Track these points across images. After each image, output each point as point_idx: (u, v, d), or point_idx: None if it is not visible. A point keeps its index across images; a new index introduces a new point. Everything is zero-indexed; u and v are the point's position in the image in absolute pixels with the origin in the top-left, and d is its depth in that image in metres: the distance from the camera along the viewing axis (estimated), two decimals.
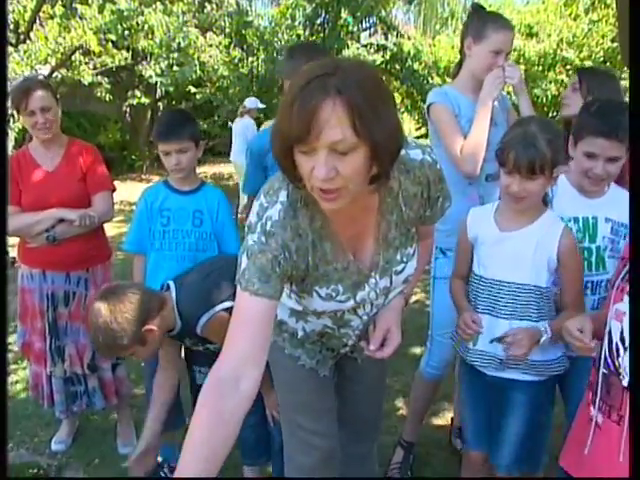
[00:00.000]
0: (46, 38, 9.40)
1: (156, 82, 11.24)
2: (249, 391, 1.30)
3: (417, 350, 3.92)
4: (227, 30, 12.66)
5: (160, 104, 14.56)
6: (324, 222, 1.45)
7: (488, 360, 2.06)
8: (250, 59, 13.13)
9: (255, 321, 1.35)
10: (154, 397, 2.46)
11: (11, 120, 9.39)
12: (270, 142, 1.31)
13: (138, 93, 12.51)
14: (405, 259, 1.60)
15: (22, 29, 9.89)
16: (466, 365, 2.18)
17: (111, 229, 4.68)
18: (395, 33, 14.55)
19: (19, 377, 3.85)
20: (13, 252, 3.53)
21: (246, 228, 1.43)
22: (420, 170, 1.50)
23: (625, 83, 5.69)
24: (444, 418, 3.30)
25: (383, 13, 14.04)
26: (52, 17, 9.87)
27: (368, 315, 1.72)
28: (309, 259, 1.45)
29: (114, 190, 3.00)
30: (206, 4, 12.44)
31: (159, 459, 2.82)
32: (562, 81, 12.55)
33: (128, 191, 7.91)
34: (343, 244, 1.50)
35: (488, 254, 2.07)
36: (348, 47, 13.21)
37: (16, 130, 9.54)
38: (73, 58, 10.17)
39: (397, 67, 14.27)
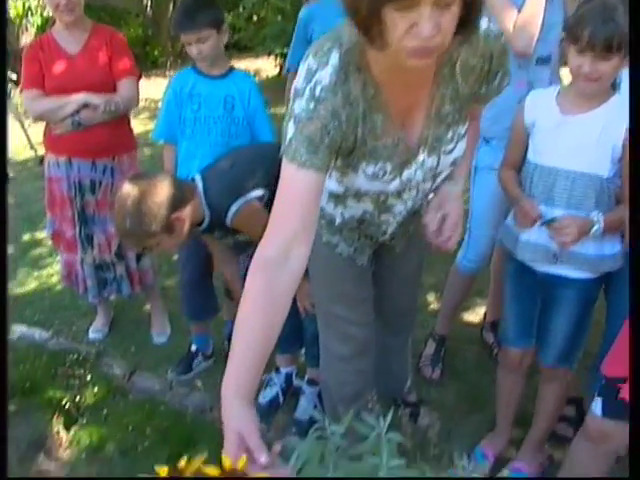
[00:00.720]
0: None
1: None
2: (298, 269, 1.23)
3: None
4: None
5: None
6: (376, 90, 1.32)
7: (540, 253, 1.96)
8: None
9: (303, 196, 1.26)
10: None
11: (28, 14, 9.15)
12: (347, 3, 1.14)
13: None
14: (456, 138, 1.48)
15: None
16: (514, 261, 2.08)
17: (137, 125, 4.57)
18: None
19: (54, 270, 3.92)
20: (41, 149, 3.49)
21: (292, 94, 1.31)
22: (484, 41, 1.34)
23: None
24: (476, 314, 3.28)
25: None
26: None
27: (413, 200, 1.62)
28: (358, 131, 1.34)
29: (140, 77, 2.90)
30: None
31: (193, 348, 2.87)
32: None
33: (152, 88, 7.72)
34: (393, 117, 1.38)
35: (546, 140, 1.91)
36: None
37: (35, 26, 9.30)
38: None
39: None
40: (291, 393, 2.61)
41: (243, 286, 1.24)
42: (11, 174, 5.23)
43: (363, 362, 1.97)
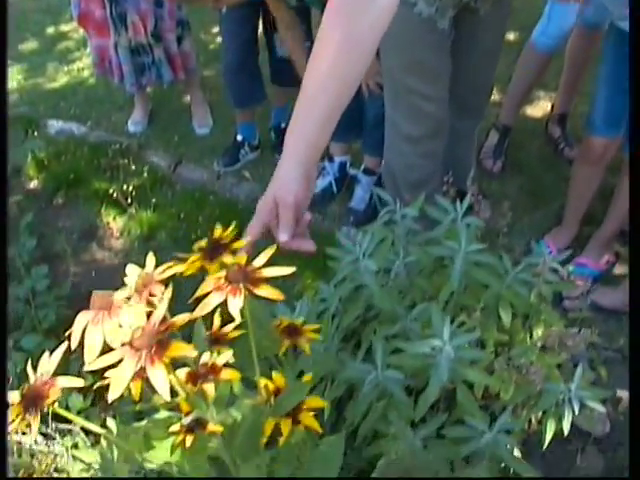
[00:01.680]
0: None
1: None
2: (389, 5, 0.99)
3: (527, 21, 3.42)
4: None
5: None
6: None
7: None
8: None
9: None
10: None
11: None
12: None
13: None
14: None
15: None
16: (614, 31, 1.78)
17: None
18: None
19: (84, 64, 3.69)
20: None
21: None
22: None
23: None
24: (540, 107, 3.02)
25: None
26: None
27: None
28: None
29: None
30: None
31: (238, 138, 2.71)
32: None
33: None
34: None
35: None
36: None
37: None
38: None
39: None
40: (346, 184, 2.48)
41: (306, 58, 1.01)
42: None
43: (434, 144, 1.79)
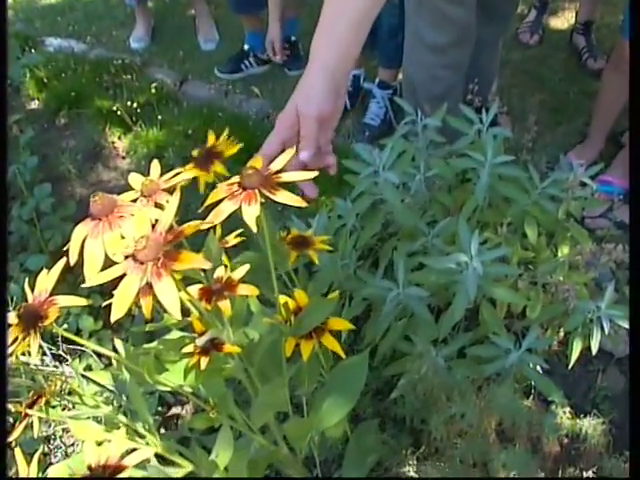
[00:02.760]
0: None
1: None
2: None
3: None
4: None
5: None
6: None
7: None
8: None
9: None
10: None
11: None
12: None
13: None
14: None
15: None
16: None
17: None
18: None
19: None
20: None
21: None
22: None
23: None
24: (565, 18, 2.87)
25: None
26: None
27: None
28: None
29: None
30: None
31: (245, 47, 2.58)
32: None
33: None
34: None
35: None
36: None
37: None
38: None
39: None
40: (361, 99, 2.36)
41: None
42: None
43: (460, 53, 1.67)
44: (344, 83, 0.91)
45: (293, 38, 2.61)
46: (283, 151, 0.74)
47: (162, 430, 1.43)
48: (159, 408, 1.41)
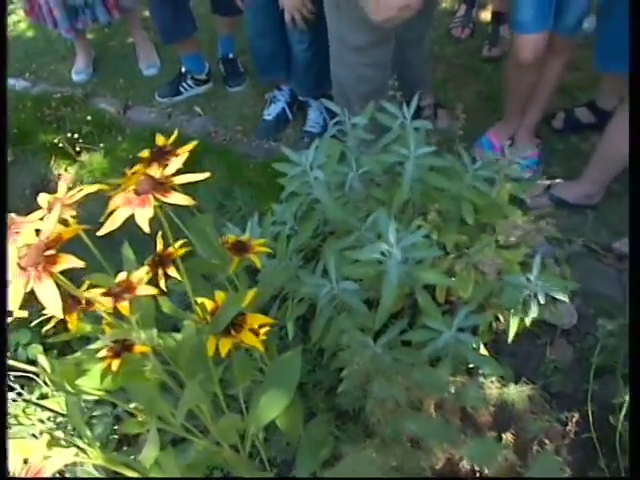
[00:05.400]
0: None
1: None
2: None
3: None
4: None
5: None
6: None
7: None
8: None
9: None
10: None
11: None
12: None
13: None
14: None
15: None
16: None
17: None
18: None
19: (19, 16, 3.49)
20: None
21: None
22: None
23: None
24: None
25: None
26: None
27: None
28: None
29: None
30: None
31: (182, 69, 2.61)
32: None
33: None
34: None
35: None
36: None
37: None
38: None
39: None
40: (297, 107, 2.41)
41: None
42: None
43: (381, 52, 1.72)
44: None
45: (231, 55, 2.65)
46: None
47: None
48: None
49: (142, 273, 0.72)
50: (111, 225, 0.65)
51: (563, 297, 1.17)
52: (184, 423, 0.88)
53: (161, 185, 0.67)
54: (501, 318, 1.45)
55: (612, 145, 1.76)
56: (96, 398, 1.45)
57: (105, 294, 0.69)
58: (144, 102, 2.65)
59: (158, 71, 2.85)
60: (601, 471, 1.09)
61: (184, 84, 2.61)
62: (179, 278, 0.81)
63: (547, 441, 0.85)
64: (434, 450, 0.89)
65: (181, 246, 0.86)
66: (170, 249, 0.87)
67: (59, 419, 1.26)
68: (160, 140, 0.84)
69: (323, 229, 1.47)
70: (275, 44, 2.18)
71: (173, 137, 0.84)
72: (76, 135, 2.32)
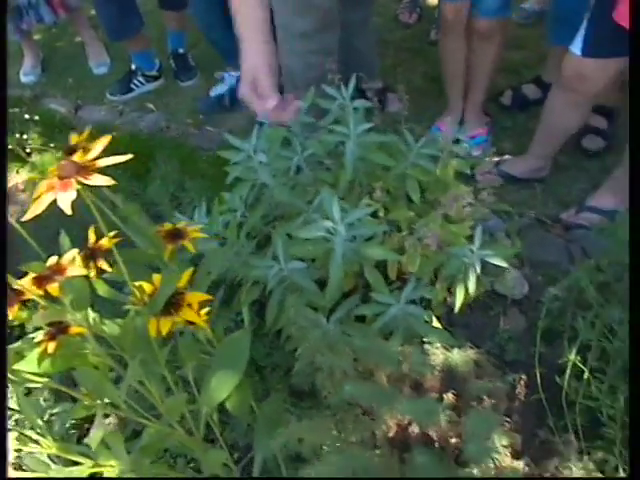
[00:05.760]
0: None
1: None
2: None
3: None
4: None
5: None
6: None
7: None
8: None
9: None
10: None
11: None
12: None
13: None
14: None
15: None
16: None
17: None
18: None
19: None
20: None
21: None
22: None
23: None
24: None
25: None
26: None
27: None
28: None
29: None
30: None
31: (132, 66, 2.60)
32: None
33: None
34: None
35: None
36: None
37: None
38: None
39: None
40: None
41: None
42: None
43: (327, 38, 1.74)
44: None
45: (181, 50, 2.64)
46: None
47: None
48: None
49: (72, 255, 0.73)
50: (35, 210, 0.65)
51: (503, 263, 1.21)
52: (137, 408, 0.89)
53: (83, 169, 0.68)
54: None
55: (552, 118, 1.81)
56: (54, 396, 1.45)
57: (35, 278, 0.70)
58: (95, 101, 2.63)
59: (108, 69, 2.83)
60: (550, 429, 1.13)
61: (135, 81, 2.59)
62: (109, 270, 0.82)
63: (486, 398, 0.87)
64: (383, 417, 0.91)
65: (115, 236, 0.87)
66: (102, 241, 0.88)
67: (16, 416, 1.26)
68: (74, 139, 0.85)
69: (274, 213, 1.49)
70: (224, 32, 2.19)
71: (86, 133, 0.85)
72: (25, 136, 2.29)
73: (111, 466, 0.79)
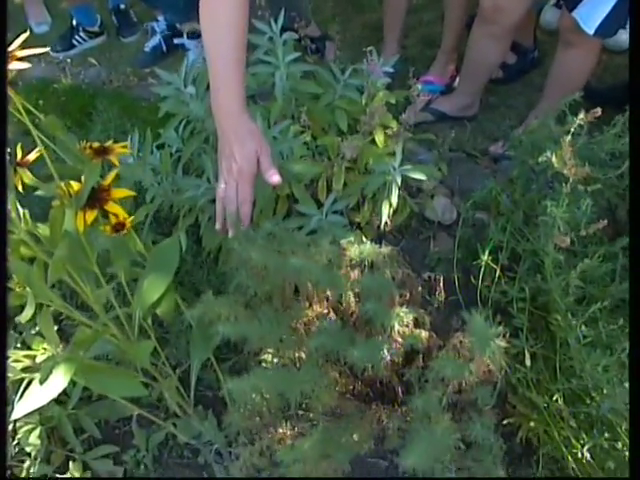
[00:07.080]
0: None
1: None
2: None
3: None
4: None
5: None
6: None
7: None
8: None
9: None
10: None
11: None
12: None
13: None
14: None
15: None
16: None
17: None
18: None
19: None
20: None
21: None
22: None
23: None
24: None
25: None
26: None
27: None
28: None
29: None
30: None
31: (73, 22, 2.60)
32: None
33: None
34: None
35: None
36: None
37: None
38: None
39: None
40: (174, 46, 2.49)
41: None
42: None
43: None
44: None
45: (122, 6, 2.64)
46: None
47: None
48: None
49: None
50: None
51: (423, 177, 1.29)
52: (74, 310, 0.96)
53: None
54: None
55: (474, 54, 1.89)
56: None
57: None
58: (38, 60, 2.62)
59: (49, 27, 2.82)
60: (464, 322, 1.22)
61: (77, 37, 2.60)
62: (31, 184, 0.88)
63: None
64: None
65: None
66: (29, 156, 0.94)
67: None
68: None
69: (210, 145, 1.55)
70: None
71: None
72: None
73: (44, 349, 0.85)
